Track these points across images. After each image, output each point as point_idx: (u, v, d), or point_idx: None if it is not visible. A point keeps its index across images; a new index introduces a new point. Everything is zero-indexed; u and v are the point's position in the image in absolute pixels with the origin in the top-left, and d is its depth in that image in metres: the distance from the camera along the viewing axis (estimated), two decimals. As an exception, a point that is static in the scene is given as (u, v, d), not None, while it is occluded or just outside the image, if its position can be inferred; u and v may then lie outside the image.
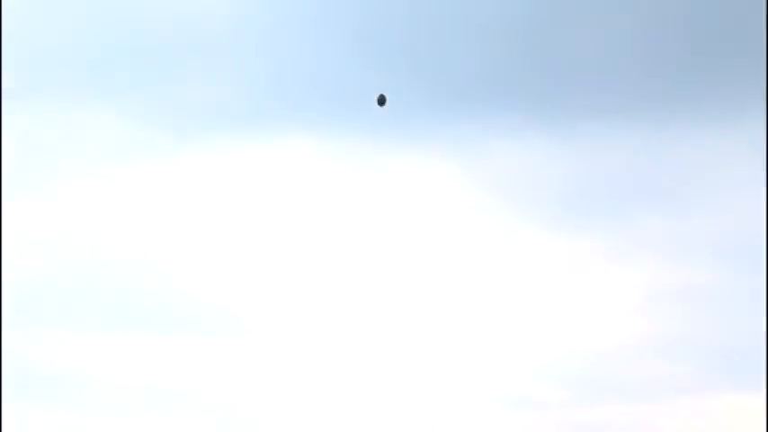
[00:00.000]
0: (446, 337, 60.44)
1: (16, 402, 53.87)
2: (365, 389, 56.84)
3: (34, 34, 66.80)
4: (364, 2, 65.91)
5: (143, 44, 67.73)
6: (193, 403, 56.25)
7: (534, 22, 67.51)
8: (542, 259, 63.29)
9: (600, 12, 67.81)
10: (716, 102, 66.66)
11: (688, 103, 66.26)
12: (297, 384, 57.33)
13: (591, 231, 64.10)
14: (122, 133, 65.73)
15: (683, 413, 57.37)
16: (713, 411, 57.41)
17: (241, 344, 60.08)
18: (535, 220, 64.36)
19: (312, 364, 57.96)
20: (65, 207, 64.21)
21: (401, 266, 61.60)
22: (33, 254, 59.96)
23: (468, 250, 62.82)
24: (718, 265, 61.68)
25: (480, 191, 64.83)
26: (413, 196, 64.29)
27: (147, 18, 67.68)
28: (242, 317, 60.84)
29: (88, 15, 67.47)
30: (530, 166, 65.88)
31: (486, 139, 66.23)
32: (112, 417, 55.51)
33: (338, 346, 58.62)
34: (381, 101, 46.63)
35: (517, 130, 66.27)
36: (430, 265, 61.81)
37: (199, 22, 68.29)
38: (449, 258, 62.31)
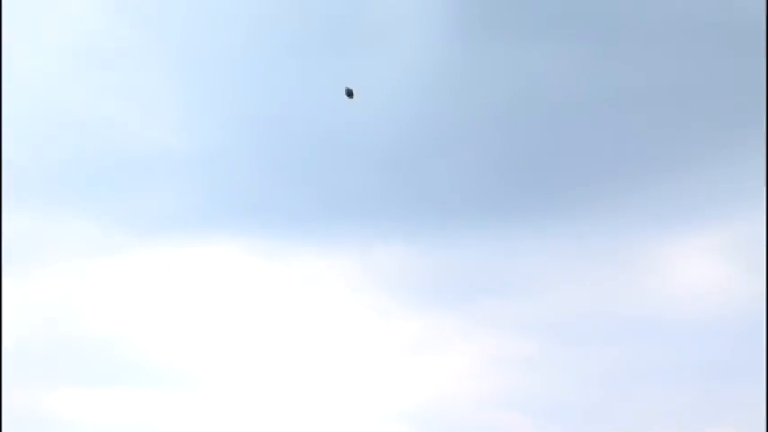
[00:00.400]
0: (339, 387, 64.34)
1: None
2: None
3: (35, 154, 70.66)
4: (276, 141, 71.15)
5: (111, 167, 71.60)
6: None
7: (409, 150, 71.93)
8: (411, 330, 68.24)
9: (462, 149, 72.72)
10: (543, 219, 70.89)
11: (524, 217, 71.29)
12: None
13: (448, 311, 68.52)
14: (91, 235, 70.20)
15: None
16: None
17: (187, 395, 64.47)
18: (406, 301, 69.40)
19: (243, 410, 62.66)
20: (48, 291, 67.32)
21: (304, 334, 66.52)
22: (33, 325, 63.84)
23: (354, 322, 67.70)
24: (541, 339, 66.51)
25: (364, 279, 70.02)
26: (312, 282, 69.78)
27: (115, 147, 72.03)
28: (186, 373, 65.28)
29: (71, 144, 72.23)
30: (402, 261, 71.16)
31: (369, 241, 71.55)
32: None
33: (258, 396, 63.61)
34: (349, 93, 45.07)
35: (393, 234, 71.34)
36: (326, 333, 66.58)
37: (154, 152, 72.60)
38: (340, 328, 67.13)
